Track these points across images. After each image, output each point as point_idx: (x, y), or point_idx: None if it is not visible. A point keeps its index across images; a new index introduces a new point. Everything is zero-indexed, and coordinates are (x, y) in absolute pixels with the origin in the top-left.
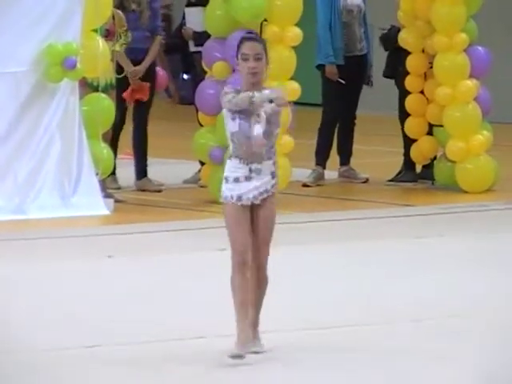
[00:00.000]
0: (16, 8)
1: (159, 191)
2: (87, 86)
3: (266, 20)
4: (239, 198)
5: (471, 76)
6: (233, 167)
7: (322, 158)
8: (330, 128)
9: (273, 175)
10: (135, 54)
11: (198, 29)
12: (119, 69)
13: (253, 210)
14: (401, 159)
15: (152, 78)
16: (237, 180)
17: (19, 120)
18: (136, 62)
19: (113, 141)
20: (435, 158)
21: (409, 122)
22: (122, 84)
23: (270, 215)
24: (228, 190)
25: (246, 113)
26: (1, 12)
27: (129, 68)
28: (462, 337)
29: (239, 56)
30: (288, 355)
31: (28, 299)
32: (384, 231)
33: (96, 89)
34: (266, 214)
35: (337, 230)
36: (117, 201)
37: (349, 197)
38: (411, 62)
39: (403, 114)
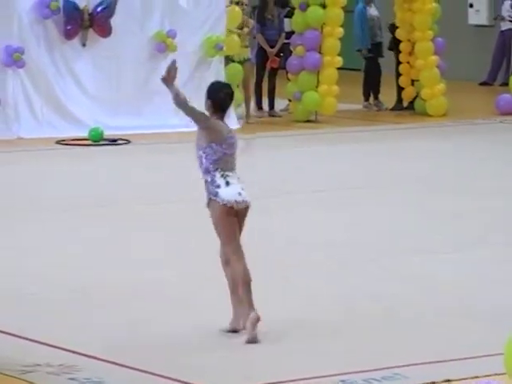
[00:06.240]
0: (191, 17)
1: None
2: (228, 59)
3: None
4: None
5: (434, 53)
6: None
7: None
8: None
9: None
10: (270, 43)
11: (288, 30)
12: (261, 50)
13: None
14: (394, 98)
15: (279, 56)
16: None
17: (192, 77)
18: (271, 47)
19: (257, 89)
20: (415, 97)
21: (401, 78)
22: (263, 58)
23: None
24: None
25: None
26: (182, 21)
27: (268, 49)
28: None
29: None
30: None
31: None
32: (388, 136)
33: (232, 60)
34: None
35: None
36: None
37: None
38: (402, 46)
39: (397, 74)
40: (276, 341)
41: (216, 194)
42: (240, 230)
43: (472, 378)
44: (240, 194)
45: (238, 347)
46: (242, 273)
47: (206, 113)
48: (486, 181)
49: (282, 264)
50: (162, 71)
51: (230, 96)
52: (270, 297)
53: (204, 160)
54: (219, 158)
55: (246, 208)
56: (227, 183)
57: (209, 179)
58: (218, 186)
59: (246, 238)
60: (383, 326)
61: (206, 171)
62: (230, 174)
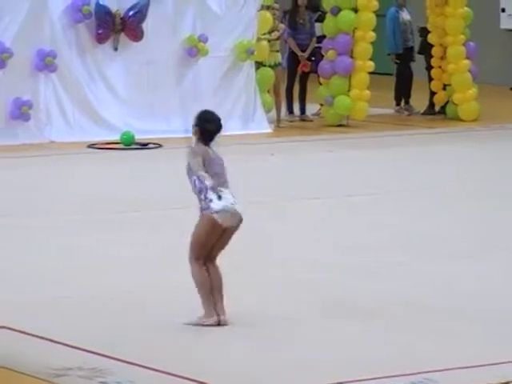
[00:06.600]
0: (222, 21)
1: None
2: (258, 64)
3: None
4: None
5: (466, 58)
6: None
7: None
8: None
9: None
10: (302, 47)
11: (319, 34)
12: (292, 54)
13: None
14: (426, 103)
15: (310, 60)
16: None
17: (223, 81)
18: (302, 51)
19: (288, 93)
20: (447, 102)
21: (432, 82)
22: (294, 62)
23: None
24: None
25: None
26: (214, 25)
27: (299, 53)
28: None
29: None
30: None
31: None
32: (419, 140)
33: (263, 65)
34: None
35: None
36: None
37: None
38: (434, 51)
39: (429, 78)
40: (299, 345)
41: (208, 208)
42: (225, 243)
43: (502, 383)
44: (232, 204)
45: (259, 353)
46: (210, 278)
47: (193, 138)
48: None
49: (309, 266)
50: (194, 75)
51: (219, 128)
52: (296, 298)
53: (197, 182)
54: (211, 176)
55: (239, 222)
56: (219, 197)
57: (202, 197)
58: (211, 200)
59: (276, 240)
60: (411, 330)
61: (200, 191)
62: (222, 189)
